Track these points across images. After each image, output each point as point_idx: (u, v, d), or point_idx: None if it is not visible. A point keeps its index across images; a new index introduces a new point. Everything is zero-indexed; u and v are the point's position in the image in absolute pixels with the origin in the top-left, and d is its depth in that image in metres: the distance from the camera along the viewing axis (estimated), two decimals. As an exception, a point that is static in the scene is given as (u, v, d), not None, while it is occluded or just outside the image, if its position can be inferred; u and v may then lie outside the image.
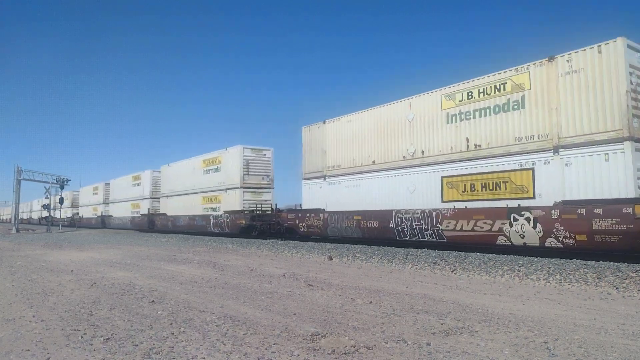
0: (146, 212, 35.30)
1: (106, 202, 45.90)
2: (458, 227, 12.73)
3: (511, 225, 11.46)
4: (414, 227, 14.04)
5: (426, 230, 13.66)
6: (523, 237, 11.29)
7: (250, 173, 24.27)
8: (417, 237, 14.00)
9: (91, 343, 4.63)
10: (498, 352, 4.27)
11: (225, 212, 24.89)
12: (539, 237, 10.97)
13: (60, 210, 46.12)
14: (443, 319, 5.60)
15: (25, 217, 76.99)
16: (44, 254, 15.31)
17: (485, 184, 12.43)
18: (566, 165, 10.74)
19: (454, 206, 13.04)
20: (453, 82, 13.73)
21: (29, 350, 4.44)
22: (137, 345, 4.53)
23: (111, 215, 43.61)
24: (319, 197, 18.49)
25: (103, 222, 45.27)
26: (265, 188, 24.80)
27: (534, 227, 11.01)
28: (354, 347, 4.43)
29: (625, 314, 5.90)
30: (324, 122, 18.65)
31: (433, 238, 13.55)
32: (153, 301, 6.77)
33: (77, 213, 55.61)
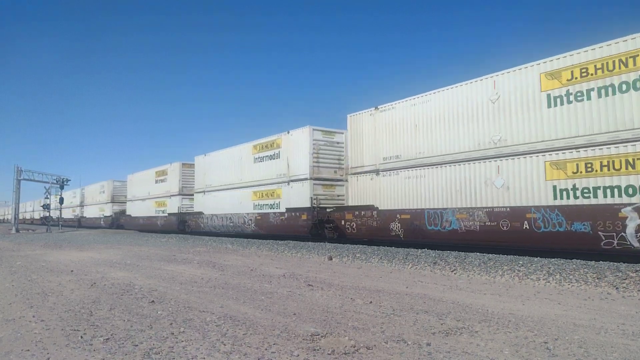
0: (309, 205, 18.72)
1: (185, 193, 30.03)
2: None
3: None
4: None
5: None
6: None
7: None
8: None
9: (91, 343, 4.63)
10: (498, 352, 4.27)
11: None
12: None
13: (60, 211, 45.70)
14: (443, 319, 5.60)
15: (36, 217, 73.11)
16: (44, 254, 15.31)
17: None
18: None
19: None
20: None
21: (28, 350, 4.44)
22: (137, 345, 4.53)
23: (201, 213, 26.80)
24: None
25: (182, 224, 28.72)
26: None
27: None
28: (354, 347, 4.43)
29: (625, 314, 5.90)
30: None
31: None
32: (153, 301, 6.77)
33: (124, 211, 39.78)
